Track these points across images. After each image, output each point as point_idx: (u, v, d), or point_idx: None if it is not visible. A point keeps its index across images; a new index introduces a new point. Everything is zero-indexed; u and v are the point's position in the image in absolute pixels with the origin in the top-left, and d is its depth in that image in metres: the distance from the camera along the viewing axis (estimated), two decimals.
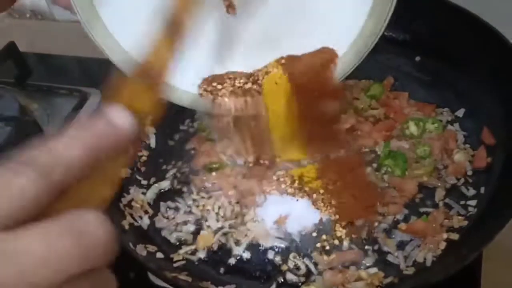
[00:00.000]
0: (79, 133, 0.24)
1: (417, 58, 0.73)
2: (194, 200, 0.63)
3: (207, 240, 0.58)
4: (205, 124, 0.70)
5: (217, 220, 0.60)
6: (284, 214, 0.58)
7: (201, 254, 0.58)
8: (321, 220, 0.57)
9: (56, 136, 0.24)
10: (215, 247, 0.58)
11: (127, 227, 0.59)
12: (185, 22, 0.37)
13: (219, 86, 0.53)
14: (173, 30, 0.36)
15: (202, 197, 0.63)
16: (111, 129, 0.25)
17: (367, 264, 0.53)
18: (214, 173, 0.65)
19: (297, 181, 0.60)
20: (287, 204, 0.59)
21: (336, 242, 0.56)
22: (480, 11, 0.65)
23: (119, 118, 0.26)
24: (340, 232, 0.56)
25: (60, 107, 0.89)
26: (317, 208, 0.58)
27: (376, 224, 0.56)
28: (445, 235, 0.53)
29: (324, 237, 0.56)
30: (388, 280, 0.52)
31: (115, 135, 0.25)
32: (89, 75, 0.99)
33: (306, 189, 0.60)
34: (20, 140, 0.80)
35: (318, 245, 0.56)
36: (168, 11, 0.37)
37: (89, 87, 0.92)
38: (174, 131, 0.72)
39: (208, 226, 0.60)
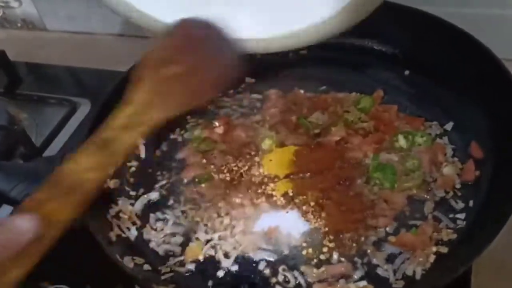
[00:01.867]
0: None
1: (406, 72, 0.74)
2: (183, 211, 0.62)
3: (196, 252, 0.58)
4: (196, 134, 0.70)
5: (206, 232, 0.59)
6: (273, 226, 0.58)
7: (189, 266, 0.57)
8: (310, 232, 0.57)
9: None
10: (203, 259, 0.57)
11: (114, 238, 0.59)
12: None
13: None
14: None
15: (191, 209, 0.62)
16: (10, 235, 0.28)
17: (357, 277, 0.53)
18: (203, 185, 0.65)
19: (287, 193, 0.60)
20: (277, 216, 0.59)
21: (326, 255, 0.55)
22: (469, 27, 0.67)
23: (22, 225, 0.29)
24: (330, 244, 0.56)
25: (49, 116, 0.88)
26: (307, 220, 0.58)
27: (365, 236, 0.56)
28: (434, 248, 0.53)
29: (313, 249, 0.56)
30: None
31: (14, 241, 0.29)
32: (79, 85, 0.99)
33: (296, 201, 0.60)
34: (8, 149, 0.80)
35: (308, 257, 0.55)
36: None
37: (79, 97, 0.91)
38: (164, 140, 0.72)
39: (197, 238, 0.59)
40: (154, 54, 0.43)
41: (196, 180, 0.65)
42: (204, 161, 0.67)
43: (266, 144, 0.67)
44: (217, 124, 0.71)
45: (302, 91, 0.74)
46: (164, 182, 0.66)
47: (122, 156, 0.40)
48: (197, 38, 0.42)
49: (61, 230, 0.35)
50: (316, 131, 0.67)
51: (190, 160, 0.68)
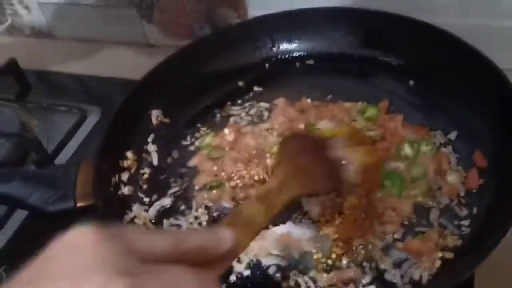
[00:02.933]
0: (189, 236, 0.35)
1: (411, 82, 0.76)
2: (195, 217, 0.64)
3: None
4: (207, 142, 0.72)
5: None
6: (285, 232, 0.59)
7: None
8: (321, 238, 0.59)
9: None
10: None
11: None
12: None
13: None
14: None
15: (204, 214, 0.64)
16: (213, 241, 0.35)
17: (365, 282, 0.55)
18: (214, 191, 0.66)
19: None
20: (288, 222, 0.60)
21: (335, 260, 0.57)
22: (471, 37, 0.69)
23: (226, 235, 0.35)
24: (339, 250, 0.57)
25: (59, 124, 0.90)
26: (318, 227, 0.59)
27: (373, 243, 0.57)
28: (440, 254, 0.55)
29: (323, 255, 0.57)
30: None
31: (215, 246, 0.35)
32: (88, 92, 1.01)
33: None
34: (20, 156, 0.81)
35: (318, 263, 0.57)
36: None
37: (89, 105, 0.93)
38: (175, 147, 0.73)
39: None
40: (289, 147, 0.58)
41: (208, 186, 0.67)
42: (215, 168, 0.69)
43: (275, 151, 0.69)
44: (227, 132, 0.73)
45: (309, 100, 0.76)
46: (176, 188, 0.68)
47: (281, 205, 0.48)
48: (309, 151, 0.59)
49: (239, 254, 0.42)
50: None
51: (202, 167, 0.69)
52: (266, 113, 0.76)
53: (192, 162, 0.71)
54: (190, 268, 0.31)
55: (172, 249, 0.31)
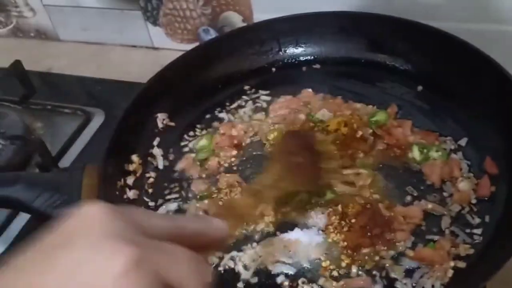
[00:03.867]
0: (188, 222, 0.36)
1: (419, 88, 0.75)
2: None
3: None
4: (201, 145, 0.72)
5: None
6: (293, 239, 0.58)
7: None
8: (329, 246, 0.58)
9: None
10: (223, 271, 0.58)
11: None
12: None
13: None
14: None
15: None
16: (210, 230, 0.36)
17: None
18: (206, 201, 0.65)
19: None
20: (296, 229, 0.59)
21: (345, 268, 0.56)
22: (480, 43, 0.68)
23: (220, 227, 0.37)
24: (348, 258, 0.56)
25: (63, 126, 0.90)
26: (326, 234, 0.58)
27: (384, 251, 0.56)
28: (452, 263, 0.54)
29: (332, 263, 0.56)
30: None
31: (210, 234, 0.36)
32: (93, 95, 1.00)
33: None
34: (24, 159, 0.80)
35: (327, 271, 0.56)
36: None
37: (93, 107, 0.93)
38: (180, 150, 0.73)
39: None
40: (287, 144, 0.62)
41: (202, 195, 0.66)
42: None
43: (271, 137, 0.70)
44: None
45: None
46: (182, 192, 0.67)
47: None
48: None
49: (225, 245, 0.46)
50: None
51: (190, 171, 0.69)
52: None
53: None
54: (188, 249, 0.33)
55: (173, 230, 0.33)
